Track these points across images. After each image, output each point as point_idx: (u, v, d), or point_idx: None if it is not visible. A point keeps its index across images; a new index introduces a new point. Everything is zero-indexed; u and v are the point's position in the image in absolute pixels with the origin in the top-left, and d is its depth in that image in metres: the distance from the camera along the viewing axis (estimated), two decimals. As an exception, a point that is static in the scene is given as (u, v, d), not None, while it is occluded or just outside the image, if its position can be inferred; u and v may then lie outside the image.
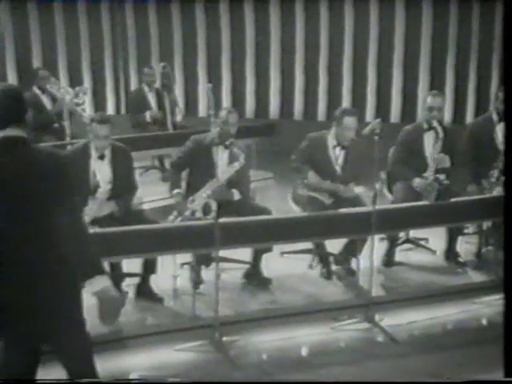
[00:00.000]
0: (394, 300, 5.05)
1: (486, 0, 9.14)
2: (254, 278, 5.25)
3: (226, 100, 10.11)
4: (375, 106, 9.96)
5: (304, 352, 4.51)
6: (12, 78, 9.73)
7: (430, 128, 5.60)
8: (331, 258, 5.45)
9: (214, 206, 4.49)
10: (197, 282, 4.94)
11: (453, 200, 5.39)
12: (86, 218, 4.53)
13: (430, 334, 4.70)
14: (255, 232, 4.87)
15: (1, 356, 2.80)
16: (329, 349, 4.49)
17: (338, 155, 5.34)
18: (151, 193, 6.55)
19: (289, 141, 8.59)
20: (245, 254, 5.34)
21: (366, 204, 5.12)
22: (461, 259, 5.74)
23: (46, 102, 7.13)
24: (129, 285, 4.97)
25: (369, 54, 9.85)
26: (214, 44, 10.08)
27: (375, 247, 4.91)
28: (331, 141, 5.35)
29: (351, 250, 5.27)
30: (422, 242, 6.01)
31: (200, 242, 4.62)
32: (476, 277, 5.52)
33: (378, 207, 4.87)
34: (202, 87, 10.05)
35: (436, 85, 9.54)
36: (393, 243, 5.71)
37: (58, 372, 3.00)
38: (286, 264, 5.58)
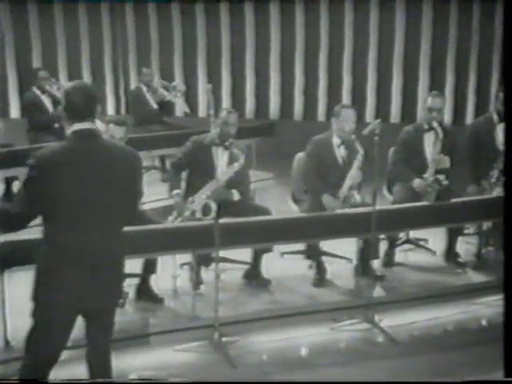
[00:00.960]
0: (393, 301, 5.05)
1: (486, 0, 9.14)
2: (254, 279, 5.25)
3: (225, 100, 10.12)
4: (375, 107, 9.96)
5: (304, 352, 4.51)
6: (12, 79, 9.74)
7: (431, 128, 5.59)
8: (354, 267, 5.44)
9: (213, 206, 4.49)
10: (197, 282, 4.94)
11: (453, 200, 5.40)
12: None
13: (429, 335, 4.70)
14: (255, 232, 4.88)
15: (35, 329, 3.02)
16: (328, 349, 4.49)
17: (343, 154, 5.32)
18: (152, 193, 6.55)
19: (289, 141, 8.62)
20: (244, 254, 5.34)
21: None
22: (461, 260, 5.74)
23: (47, 102, 7.13)
24: (129, 285, 4.96)
25: (369, 55, 9.85)
26: (214, 44, 10.09)
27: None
28: (336, 140, 5.33)
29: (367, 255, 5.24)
30: (422, 243, 6.01)
31: (200, 243, 4.62)
32: (476, 277, 5.52)
33: (378, 208, 4.88)
34: (202, 88, 10.05)
35: (436, 85, 9.54)
36: (392, 244, 5.71)
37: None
38: (286, 264, 5.59)
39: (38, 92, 7.16)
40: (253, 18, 10.01)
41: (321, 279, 5.30)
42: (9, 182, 6.77)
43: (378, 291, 5.11)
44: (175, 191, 5.18)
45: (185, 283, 5.12)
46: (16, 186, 6.68)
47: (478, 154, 5.79)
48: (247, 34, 10.04)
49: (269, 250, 5.22)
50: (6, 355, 4.09)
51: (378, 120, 4.92)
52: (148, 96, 7.86)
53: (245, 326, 4.67)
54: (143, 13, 10.09)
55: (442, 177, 5.42)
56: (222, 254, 4.75)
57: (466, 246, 5.92)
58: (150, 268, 4.90)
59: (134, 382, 3.56)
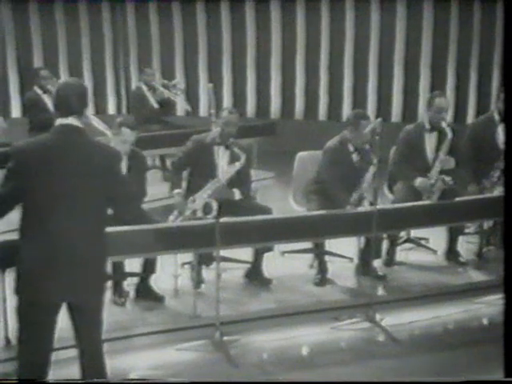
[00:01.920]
0: (394, 300, 5.06)
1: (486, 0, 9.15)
2: (255, 278, 5.25)
3: (226, 99, 10.12)
4: (376, 106, 9.96)
5: (305, 351, 4.52)
6: (13, 78, 9.74)
7: (433, 128, 5.58)
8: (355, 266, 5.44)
9: (214, 205, 4.49)
10: (198, 281, 4.94)
11: (454, 200, 5.39)
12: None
13: (430, 334, 4.71)
14: (256, 232, 4.86)
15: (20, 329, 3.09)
16: (330, 348, 4.50)
17: (355, 160, 5.31)
18: (153, 192, 6.55)
19: (290, 140, 8.63)
20: (245, 253, 5.34)
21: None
22: (462, 259, 5.74)
23: (48, 101, 7.12)
24: (129, 284, 4.97)
25: (370, 54, 9.85)
26: (215, 43, 10.09)
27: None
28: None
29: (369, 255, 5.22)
30: (423, 242, 6.01)
31: (201, 242, 4.62)
32: (477, 276, 5.52)
33: (378, 207, 4.88)
34: (203, 87, 10.05)
35: (437, 84, 9.55)
36: (393, 243, 5.70)
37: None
38: (287, 263, 5.59)
39: (39, 91, 7.15)
40: (254, 17, 10.01)
41: (322, 278, 5.29)
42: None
43: (379, 290, 5.12)
44: (176, 191, 5.18)
45: (186, 282, 5.12)
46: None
47: (479, 153, 5.78)
48: (248, 33, 10.04)
49: (269, 250, 5.22)
50: (7, 354, 4.09)
51: (379, 119, 4.91)
52: (149, 95, 7.86)
53: (246, 325, 4.67)
54: (144, 12, 10.10)
55: (447, 177, 5.41)
56: (223, 253, 4.75)
57: (466, 245, 5.92)
58: (149, 267, 4.90)
59: (134, 382, 3.57)
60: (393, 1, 9.63)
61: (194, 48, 10.13)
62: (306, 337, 4.62)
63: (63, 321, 3.17)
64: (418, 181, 5.45)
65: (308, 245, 5.54)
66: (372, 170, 5.01)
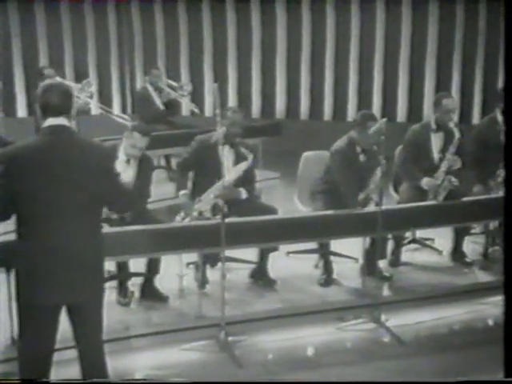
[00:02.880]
0: (400, 300, 5.05)
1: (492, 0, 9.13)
2: (260, 278, 5.25)
3: (232, 99, 10.12)
4: (381, 106, 9.95)
5: (310, 352, 4.51)
6: (19, 78, 9.76)
7: (439, 129, 5.58)
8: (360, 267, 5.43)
9: (222, 206, 4.50)
10: (202, 281, 4.94)
11: (460, 200, 5.38)
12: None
13: (436, 335, 4.69)
14: (262, 232, 4.86)
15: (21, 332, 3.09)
16: (335, 349, 4.49)
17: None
18: (158, 192, 6.55)
19: (295, 141, 8.62)
20: (249, 253, 5.34)
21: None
22: (467, 259, 5.73)
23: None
24: (134, 284, 4.97)
25: (375, 54, 9.84)
26: (220, 43, 10.10)
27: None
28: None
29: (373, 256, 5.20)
30: (428, 243, 6.01)
31: (206, 242, 4.62)
32: (482, 277, 5.51)
33: (384, 207, 4.87)
34: (208, 87, 10.06)
35: (442, 85, 9.53)
36: (399, 243, 5.70)
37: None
38: (292, 263, 5.58)
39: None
40: (259, 18, 10.02)
41: (327, 279, 5.29)
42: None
43: (384, 291, 5.11)
44: (182, 191, 5.17)
45: (191, 282, 5.11)
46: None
47: (484, 154, 5.77)
48: (253, 33, 10.05)
49: (275, 249, 5.21)
50: (13, 353, 4.09)
51: (384, 119, 4.90)
52: (155, 96, 7.87)
53: (251, 326, 4.67)
54: (149, 12, 10.11)
55: (453, 178, 5.40)
56: (228, 253, 4.74)
57: (472, 246, 5.91)
58: (153, 267, 4.91)
59: (134, 382, 3.56)
60: (398, 1, 9.62)
61: (199, 48, 10.14)
62: (311, 337, 4.61)
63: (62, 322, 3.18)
64: (425, 181, 5.45)
65: (313, 245, 5.54)
66: (379, 170, 4.99)
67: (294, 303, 4.96)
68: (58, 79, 7.33)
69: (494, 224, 5.76)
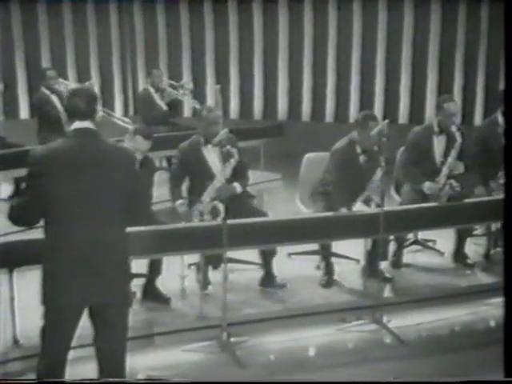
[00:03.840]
0: (402, 302, 5.06)
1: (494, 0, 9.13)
2: (271, 285, 5.19)
3: (233, 101, 10.14)
4: (383, 107, 9.96)
5: (311, 353, 4.53)
6: (21, 79, 9.78)
7: (442, 132, 5.58)
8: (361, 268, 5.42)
9: (221, 208, 4.51)
10: (204, 282, 4.94)
11: (462, 202, 5.38)
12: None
13: (437, 336, 4.71)
14: (262, 233, 4.86)
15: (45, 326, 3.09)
16: (336, 350, 4.50)
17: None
18: (159, 194, 6.56)
19: (297, 142, 8.63)
20: (250, 255, 5.35)
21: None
22: (469, 261, 5.72)
23: (56, 101, 7.16)
24: (136, 285, 4.97)
25: (377, 55, 9.85)
26: (222, 45, 10.12)
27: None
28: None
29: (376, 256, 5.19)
30: (430, 244, 6.01)
31: (207, 243, 4.63)
32: (484, 278, 5.51)
33: (386, 209, 4.87)
34: (210, 88, 10.07)
35: (444, 86, 9.54)
36: (400, 245, 5.70)
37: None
38: (293, 265, 5.58)
39: (47, 92, 7.19)
40: (261, 19, 10.03)
41: (328, 280, 5.29)
42: (18, 182, 6.81)
43: (385, 292, 5.12)
44: (179, 201, 5.13)
45: (193, 283, 5.13)
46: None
47: (486, 155, 5.77)
48: (255, 34, 10.06)
49: (274, 253, 5.18)
50: (16, 353, 4.13)
51: (386, 121, 4.91)
52: (156, 97, 7.88)
53: (253, 327, 4.68)
54: (151, 12, 10.13)
55: (454, 182, 5.39)
56: (230, 254, 4.76)
57: (474, 247, 5.91)
58: (155, 269, 4.91)
59: (135, 382, 3.57)
60: (400, 2, 9.63)
61: (201, 49, 10.16)
62: (312, 338, 4.63)
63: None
64: (427, 185, 5.44)
65: (314, 246, 5.54)
66: (379, 171, 5.00)
67: (295, 304, 4.97)
68: (61, 81, 7.39)
69: (496, 226, 5.77)
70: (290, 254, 5.67)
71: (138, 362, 4.01)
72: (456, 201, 5.37)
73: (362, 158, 5.28)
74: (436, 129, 5.60)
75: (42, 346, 3.11)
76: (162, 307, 4.86)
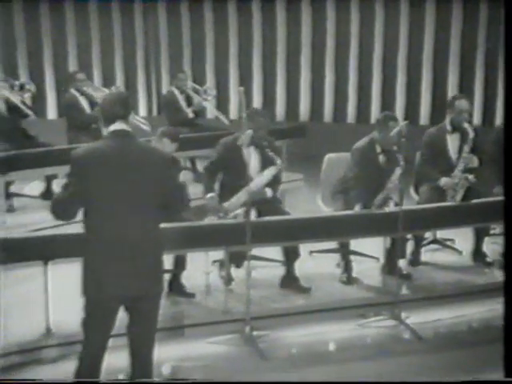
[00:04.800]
0: (419, 298, 5.17)
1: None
2: (291, 284, 5.28)
3: (256, 102, 10.21)
4: (404, 108, 9.99)
5: (331, 347, 4.67)
6: (49, 80, 9.98)
7: (455, 129, 5.72)
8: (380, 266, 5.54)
9: (253, 211, 4.67)
10: (228, 279, 5.08)
11: (479, 201, 5.49)
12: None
13: (454, 332, 4.82)
14: (285, 231, 5.02)
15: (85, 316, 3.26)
16: (355, 344, 4.64)
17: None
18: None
19: (318, 143, 8.73)
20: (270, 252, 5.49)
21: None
22: (488, 259, 5.80)
23: (84, 103, 7.37)
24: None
25: (398, 55, 9.87)
26: (245, 46, 10.19)
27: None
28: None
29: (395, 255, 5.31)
30: (449, 243, 6.10)
31: (231, 240, 4.78)
32: (502, 276, 5.57)
33: (404, 208, 4.99)
34: (233, 89, 10.18)
35: (465, 86, 9.55)
36: (419, 243, 5.80)
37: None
38: (315, 262, 5.71)
39: (76, 93, 7.40)
40: (284, 18, 10.05)
41: (348, 277, 5.41)
42: (49, 179, 7.04)
43: (404, 289, 5.23)
44: (210, 194, 5.23)
45: (217, 279, 5.28)
46: (56, 184, 6.94)
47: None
48: (278, 35, 10.10)
49: (297, 255, 5.26)
50: (48, 341, 4.35)
51: (405, 122, 5.04)
52: (181, 99, 8.04)
53: (275, 321, 4.83)
54: (176, 14, 10.22)
55: (470, 176, 5.53)
56: (253, 252, 4.89)
57: (492, 246, 5.98)
58: (180, 264, 5.06)
59: (135, 382, 3.73)
60: (422, 1, 9.65)
61: (224, 50, 10.24)
62: (332, 333, 4.77)
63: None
64: (443, 181, 5.60)
65: (335, 244, 5.65)
66: (398, 171, 5.13)
67: (316, 300, 5.11)
68: (89, 83, 7.60)
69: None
70: (311, 252, 5.78)
71: (165, 352, 4.14)
72: (472, 195, 5.48)
73: (381, 158, 5.41)
74: (449, 127, 5.76)
75: (83, 336, 3.28)
76: (188, 301, 5.01)
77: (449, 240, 6.11)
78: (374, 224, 5.16)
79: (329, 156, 5.93)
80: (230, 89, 10.23)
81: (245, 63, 10.22)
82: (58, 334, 4.39)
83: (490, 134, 6.16)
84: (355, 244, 5.60)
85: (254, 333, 4.57)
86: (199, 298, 5.09)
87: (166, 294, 5.05)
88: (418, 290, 5.34)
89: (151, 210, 3.26)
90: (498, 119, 9.55)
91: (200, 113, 8.20)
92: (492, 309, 5.05)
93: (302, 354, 4.52)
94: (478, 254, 5.87)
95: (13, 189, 6.93)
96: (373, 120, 9.71)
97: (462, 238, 6.01)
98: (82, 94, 7.36)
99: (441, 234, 6.09)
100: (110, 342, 3.36)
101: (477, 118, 9.53)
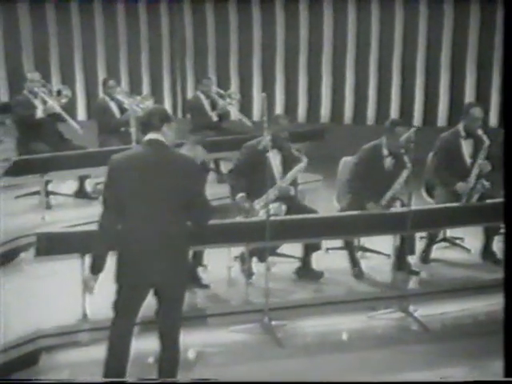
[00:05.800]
0: (427, 292, 5.46)
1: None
2: (305, 275, 5.63)
3: (279, 106, 10.42)
4: (422, 110, 10.11)
5: (344, 336, 4.99)
6: (80, 83, 10.36)
7: (468, 136, 5.94)
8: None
9: (283, 208, 5.12)
10: (249, 272, 5.41)
11: (489, 201, 5.73)
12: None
13: (460, 324, 5.10)
14: (303, 228, 5.35)
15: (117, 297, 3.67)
16: (366, 334, 4.96)
17: (389, 164, 5.72)
18: (208, 193, 7.04)
19: (338, 145, 8.96)
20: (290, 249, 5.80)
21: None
22: (498, 257, 5.98)
23: (114, 108, 7.79)
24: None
25: (417, 58, 9.95)
26: (268, 49, 10.35)
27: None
28: (384, 151, 5.73)
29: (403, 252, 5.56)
30: (458, 241, 6.34)
31: (253, 237, 5.10)
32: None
33: (415, 208, 5.27)
34: (257, 92, 10.39)
35: (482, 88, 9.67)
36: (431, 241, 6.06)
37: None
38: (331, 258, 5.99)
39: (107, 98, 7.82)
40: (306, 21, 10.16)
41: (359, 271, 5.73)
42: (82, 179, 7.49)
43: (412, 284, 5.53)
44: (240, 194, 5.48)
45: (238, 273, 5.62)
46: (88, 184, 7.45)
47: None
48: (300, 37, 10.22)
49: (317, 249, 5.63)
50: (84, 326, 4.79)
51: (414, 128, 5.34)
52: (206, 104, 8.34)
53: (292, 312, 5.16)
54: (201, 18, 10.40)
55: (485, 182, 5.79)
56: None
57: (501, 245, 6.14)
58: (197, 258, 5.40)
59: (135, 382, 4.05)
60: (440, 2, 9.76)
61: (247, 53, 10.39)
62: (345, 324, 5.10)
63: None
64: (459, 186, 5.83)
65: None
66: (405, 173, 5.45)
67: (330, 293, 5.44)
68: (119, 89, 7.99)
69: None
70: (327, 249, 6.04)
71: (191, 339, 4.48)
72: (483, 198, 5.73)
73: (388, 161, 5.68)
74: (463, 133, 5.99)
75: (113, 317, 3.69)
76: (211, 293, 5.36)
77: (458, 239, 6.35)
78: (384, 223, 5.45)
79: (344, 159, 6.20)
80: (253, 91, 10.45)
81: (268, 67, 10.43)
82: (92, 319, 4.79)
83: (499, 136, 6.38)
84: (368, 242, 5.94)
85: (273, 322, 4.90)
86: (222, 290, 5.44)
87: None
88: (426, 285, 5.62)
89: (179, 210, 3.64)
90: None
91: (224, 116, 8.49)
92: (496, 302, 5.25)
93: (316, 343, 4.85)
94: (487, 252, 6.09)
95: (50, 187, 7.35)
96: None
97: (471, 236, 6.26)
98: (113, 99, 7.77)
99: (451, 232, 6.35)
100: (141, 327, 3.77)
101: (493, 120, 9.65)
